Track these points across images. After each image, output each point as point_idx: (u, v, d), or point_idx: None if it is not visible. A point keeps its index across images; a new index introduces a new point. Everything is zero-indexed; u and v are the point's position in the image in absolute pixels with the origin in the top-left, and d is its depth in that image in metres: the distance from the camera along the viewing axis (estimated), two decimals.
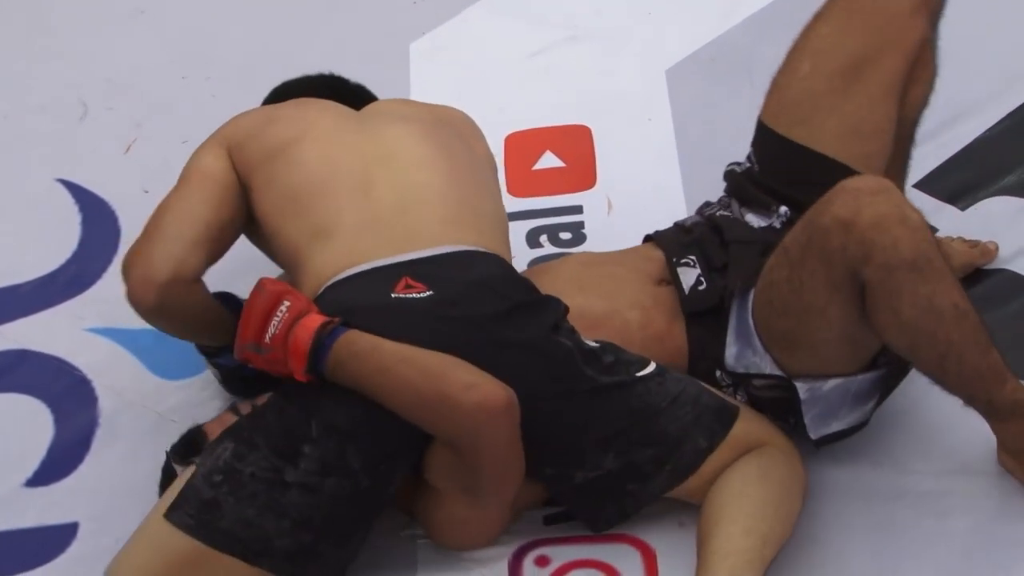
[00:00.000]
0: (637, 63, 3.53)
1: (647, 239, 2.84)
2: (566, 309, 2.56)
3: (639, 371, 2.52)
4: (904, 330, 2.46)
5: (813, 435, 2.58)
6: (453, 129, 2.84)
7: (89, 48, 3.77)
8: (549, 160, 3.29)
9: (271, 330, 2.37)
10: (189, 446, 2.61)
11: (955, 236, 2.95)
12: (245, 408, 2.61)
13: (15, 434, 2.84)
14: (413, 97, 3.42)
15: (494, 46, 3.60)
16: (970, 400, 2.55)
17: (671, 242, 2.76)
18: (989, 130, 3.28)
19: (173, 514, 2.39)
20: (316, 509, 2.38)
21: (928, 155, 3.15)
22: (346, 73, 2.99)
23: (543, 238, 3.17)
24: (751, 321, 2.57)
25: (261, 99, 2.98)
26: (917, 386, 2.63)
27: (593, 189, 3.22)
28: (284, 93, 2.95)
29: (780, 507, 2.51)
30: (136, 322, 2.66)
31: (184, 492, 2.41)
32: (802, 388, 2.54)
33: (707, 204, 2.86)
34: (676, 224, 2.85)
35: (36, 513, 2.70)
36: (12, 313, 3.08)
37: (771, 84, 2.79)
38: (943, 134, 3.23)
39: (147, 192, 3.23)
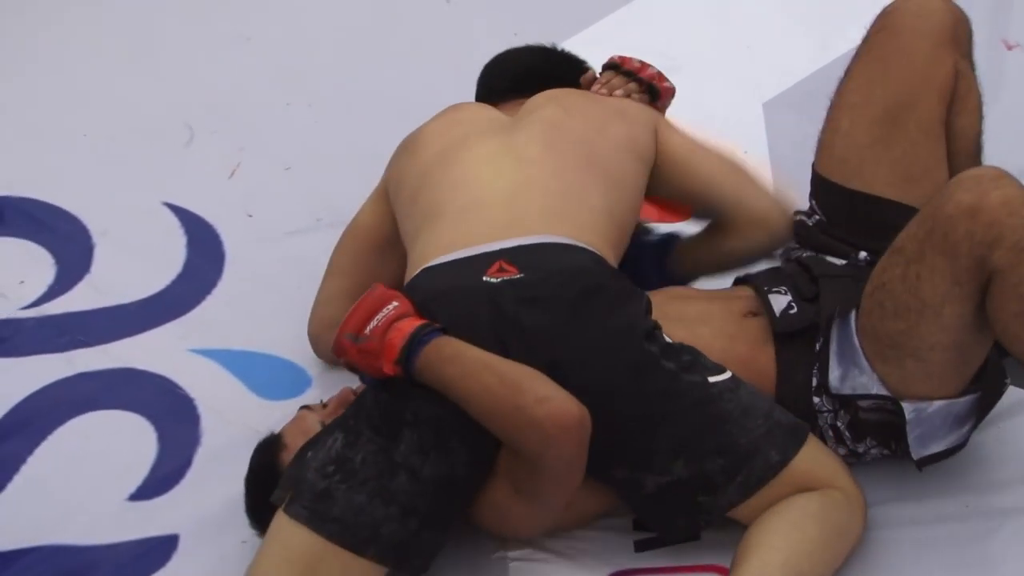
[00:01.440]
0: (735, 95, 3.57)
1: (737, 281, 2.86)
2: (650, 305, 2.60)
3: (713, 376, 2.53)
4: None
5: (915, 455, 2.56)
6: (593, 124, 2.90)
7: (195, 73, 3.82)
8: None
9: (373, 323, 2.43)
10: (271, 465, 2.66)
11: None
12: (317, 409, 2.67)
13: (120, 450, 2.87)
14: None
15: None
16: None
17: (761, 276, 2.78)
18: None
19: (291, 508, 2.46)
20: (420, 496, 2.44)
21: None
22: (436, 106, 3.03)
23: None
24: (856, 339, 2.55)
25: (362, 127, 3.04)
26: None
27: (690, 220, 3.18)
28: (501, 66, 3.16)
29: (827, 551, 2.51)
30: (237, 343, 2.74)
31: (299, 486, 2.47)
32: (908, 408, 2.52)
33: (791, 248, 2.88)
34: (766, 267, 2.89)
35: (139, 526, 2.73)
36: (118, 333, 3.11)
37: (817, 143, 2.84)
38: None
39: (251, 216, 3.33)
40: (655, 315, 2.61)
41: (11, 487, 2.84)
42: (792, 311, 2.65)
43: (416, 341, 2.42)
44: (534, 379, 2.43)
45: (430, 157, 2.87)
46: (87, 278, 3.26)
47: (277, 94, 3.70)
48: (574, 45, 3.60)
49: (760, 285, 2.73)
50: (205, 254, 3.23)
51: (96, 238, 3.34)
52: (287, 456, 2.62)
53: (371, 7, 3.96)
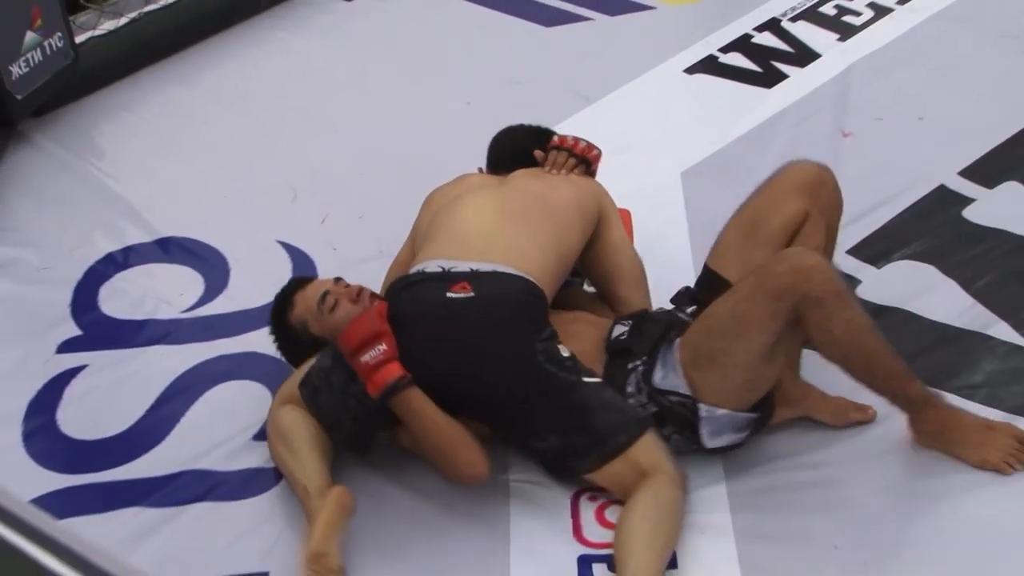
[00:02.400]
0: (663, 166, 3.56)
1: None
2: (551, 329, 2.61)
3: (587, 378, 2.56)
4: (837, 345, 2.49)
5: (707, 445, 2.59)
6: (549, 186, 2.89)
7: (301, 153, 3.82)
8: None
9: (367, 358, 2.52)
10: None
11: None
12: (329, 283, 2.82)
13: (247, 406, 2.90)
14: None
15: None
16: (893, 398, 2.56)
17: (625, 316, 2.78)
18: (897, 215, 3.29)
19: (302, 389, 2.66)
20: (361, 413, 2.58)
21: (858, 232, 3.22)
22: (467, 166, 3.08)
23: None
24: (676, 352, 2.58)
25: (408, 188, 3.08)
26: None
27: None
28: (508, 138, 3.13)
29: (668, 522, 2.46)
30: None
31: (308, 376, 2.66)
32: (703, 408, 2.56)
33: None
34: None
35: (257, 458, 2.78)
36: (246, 328, 3.13)
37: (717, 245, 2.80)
38: (867, 217, 3.27)
39: (335, 249, 3.38)
40: (559, 331, 2.64)
41: (173, 433, 2.89)
42: (621, 337, 2.68)
43: (393, 388, 2.52)
44: (467, 447, 2.54)
45: (438, 208, 2.91)
46: (225, 292, 3.30)
47: (353, 167, 3.71)
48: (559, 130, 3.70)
49: (618, 319, 2.75)
50: (303, 273, 3.22)
51: (232, 264, 3.38)
52: (293, 313, 2.83)
53: (411, 106, 3.96)
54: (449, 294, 2.61)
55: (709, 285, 2.73)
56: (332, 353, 2.64)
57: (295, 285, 2.91)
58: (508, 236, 2.74)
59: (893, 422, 2.66)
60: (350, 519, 2.52)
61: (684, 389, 2.57)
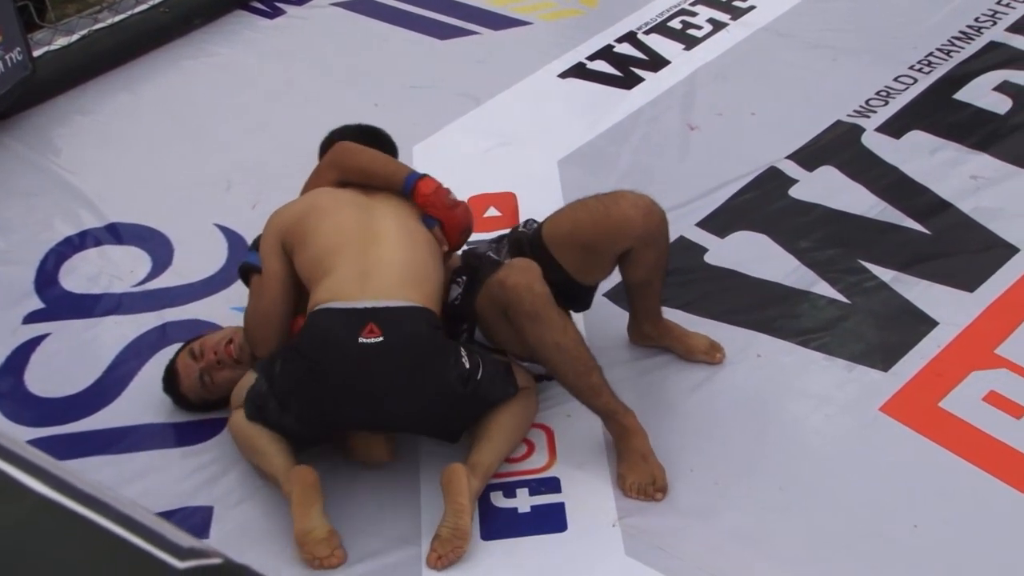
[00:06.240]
0: (542, 156, 3.53)
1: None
2: (457, 347, 2.46)
3: (480, 368, 2.45)
4: (532, 351, 2.45)
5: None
6: (417, 225, 2.61)
7: (235, 149, 3.71)
8: (492, 212, 3.30)
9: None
10: None
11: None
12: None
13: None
14: None
15: (463, 147, 3.61)
16: (590, 408, 2.48)
17: (467, 255, 2.72)
18: (736, 193, 3.28)
19: (247, 406, 2.47)
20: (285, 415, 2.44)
21: (704, 208, 3.22)
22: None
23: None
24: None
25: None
26: None
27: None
28: (340, 135, 2.80)
29: (524, 417, 2.52)
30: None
31: (248, 395, 2.47)
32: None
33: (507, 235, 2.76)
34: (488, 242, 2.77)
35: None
36: (189, 299, 3.10)
37: (555, 214, 2.66)
38: (712, 195, 3.27)
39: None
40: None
41: (127, 390, 2.84)
42: (456, 302, 2.61)
43: None
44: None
45: (320, 237, 2.55)
46: (170, 268, 3.23)
47: (280, 161, 3.60)
48: (451, 130, 3.68)
49: (454, 276, 2.66)
50: (237, 252, 3.18)
51: (175, 245, 3.32)
52: (182, 385, 2.68)
53: (327, 108, 3.73)
54: (361, 339, 2.36)
55: (536, 250, 2.61)
56: (265, 377, 2.46)
57: (174, 366, 2.73)
58: (400, 267, 2.48)
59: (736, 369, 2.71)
60: (319, 489, 2.38)
61: (483, 340, 2.59)
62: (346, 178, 2.68)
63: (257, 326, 2.61)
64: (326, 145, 2.84)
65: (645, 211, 2.56)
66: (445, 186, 2.68)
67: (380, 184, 2.66)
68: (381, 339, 2.36)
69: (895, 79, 3.69)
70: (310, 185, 2.74)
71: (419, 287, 2.48)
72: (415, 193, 2.63)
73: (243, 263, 2.71)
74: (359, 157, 2.70)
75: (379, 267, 2.47)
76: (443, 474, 2.37)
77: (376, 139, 2.82)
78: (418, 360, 2.40)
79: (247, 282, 2.67)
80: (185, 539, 0.86)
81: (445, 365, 2.42)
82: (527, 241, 2.66)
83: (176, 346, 2.83)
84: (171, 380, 2.70)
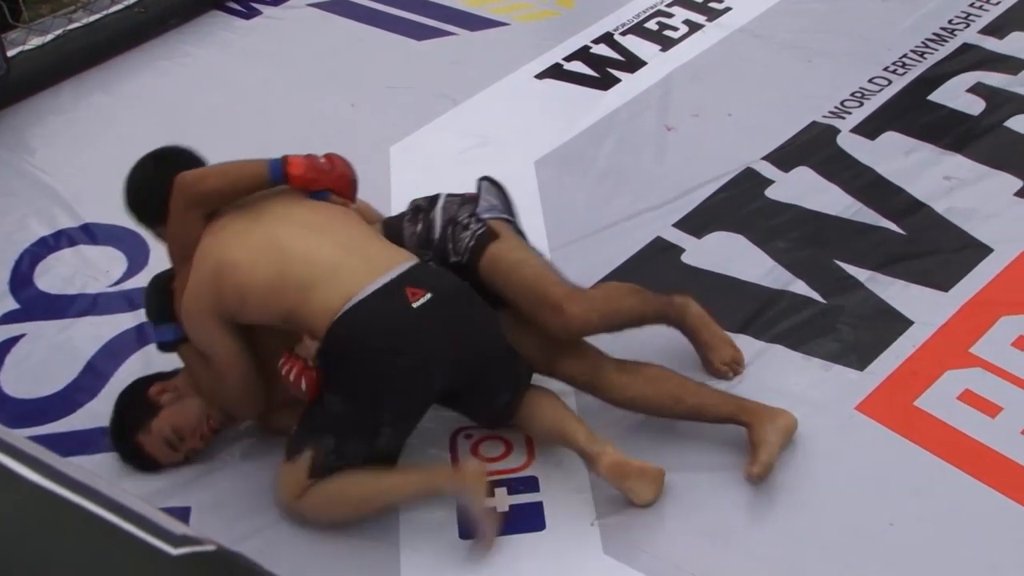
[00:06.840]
0: (519, 156, 3.54)
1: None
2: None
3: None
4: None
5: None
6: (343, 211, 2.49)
7: (204, 147, 3.53)
8: None
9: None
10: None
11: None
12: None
13: (167, 366, 2.70)
14: (394, 176, 3.41)
15: (440, 147, 3.61)
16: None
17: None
18: (713, 194, 3.30)
19: (321, 473, 2.31)
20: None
21: (681, 208, 3.24)
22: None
23: None
24: None
25: None
26: None
27: None
28: (144, 178, 2.54)
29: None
30: None
31: (315, 464, 2.31)
32: None
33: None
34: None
35: None
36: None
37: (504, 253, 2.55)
38: (688, 196, 3.29)
39: None
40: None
41: (103, 391, 2.82)
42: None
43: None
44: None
45: (274, 262, 2.35)
46: (146, 268, 3.19)
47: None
48: (428, 131, 3.68)
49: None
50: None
51: (150, 245, 3.20)
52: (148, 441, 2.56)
53: (304, 108, 3.83)
54: (413, 304, 2.26)
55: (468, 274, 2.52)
56: (321, 435, 2.32)
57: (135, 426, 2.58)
58: (362, 240, 2.39)
59: None
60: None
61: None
62: (210, 206, 2.41)
63: (239, 400, 2.49)
64: (153, 197, 2.49)
65: (580, 328, 2.52)
66: (308, 153, 2.46)
67: (247, 188, 2.41)
68: (430, 296, 2.28)
69: (870, 80, 3.73)
70: (179, 238, 2.44)
71: (389, 247, 2.43)
72: (288, 178, 2.40)
73: (163, 342, 2.55)
74: (208, 179, 2.42)
75: (352, 249, 2.35)
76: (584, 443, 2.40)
77: (178, 157, 2.53)
78: (471, 298, 2.40)
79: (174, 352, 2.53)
80: (178, 527, 0.87)
81: (484, 303, 2.43)
82: (465, 251, 2.56)
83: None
84: (148, 464, 2.56)
